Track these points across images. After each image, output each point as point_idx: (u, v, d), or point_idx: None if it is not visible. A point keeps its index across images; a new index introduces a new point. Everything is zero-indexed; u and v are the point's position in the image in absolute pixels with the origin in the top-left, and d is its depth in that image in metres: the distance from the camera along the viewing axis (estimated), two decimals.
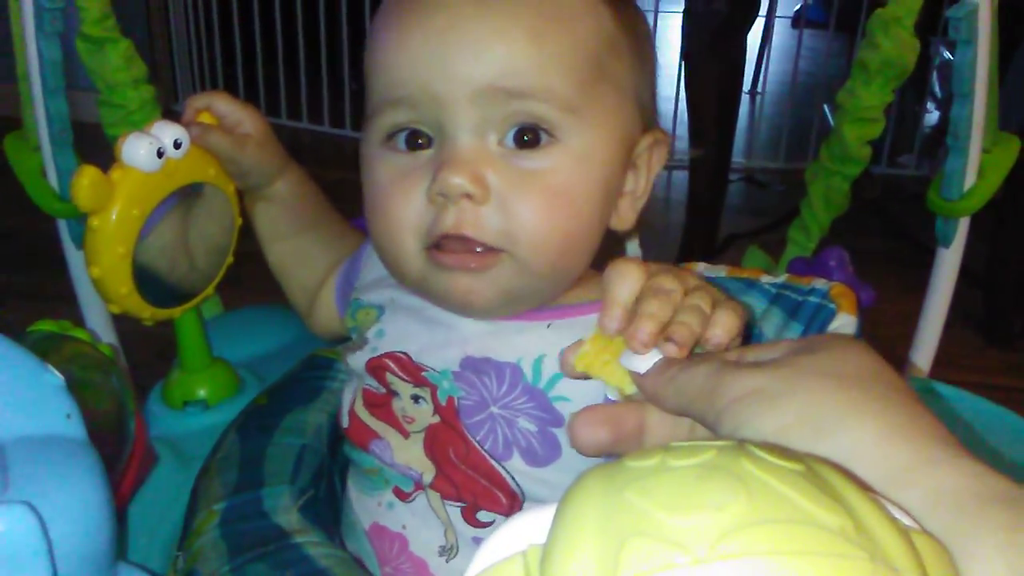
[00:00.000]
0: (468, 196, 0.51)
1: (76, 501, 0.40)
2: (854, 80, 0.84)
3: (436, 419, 0.57)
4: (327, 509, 0.62)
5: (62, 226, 0.91)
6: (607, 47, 0.54)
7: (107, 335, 0.94)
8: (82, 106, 0.91)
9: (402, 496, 0.59)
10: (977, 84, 0.84)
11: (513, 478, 0.55)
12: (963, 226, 0.93)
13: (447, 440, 0.57)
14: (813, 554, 0.21)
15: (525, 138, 0.52)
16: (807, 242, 0.92)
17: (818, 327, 0.60)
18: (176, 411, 0.79)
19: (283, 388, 0.71)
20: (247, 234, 0.75)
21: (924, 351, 0.97)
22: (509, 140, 0.52)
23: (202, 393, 0.79)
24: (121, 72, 0.84)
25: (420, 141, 0.54)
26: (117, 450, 0.58)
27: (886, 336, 0.96)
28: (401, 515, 0.59)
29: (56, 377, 0.46)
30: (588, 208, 0.53)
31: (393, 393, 0.59)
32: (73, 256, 0.91)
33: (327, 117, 2.78)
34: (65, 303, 0.92)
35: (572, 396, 0.54)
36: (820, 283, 0.63)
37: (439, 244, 0.53)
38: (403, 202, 0.53)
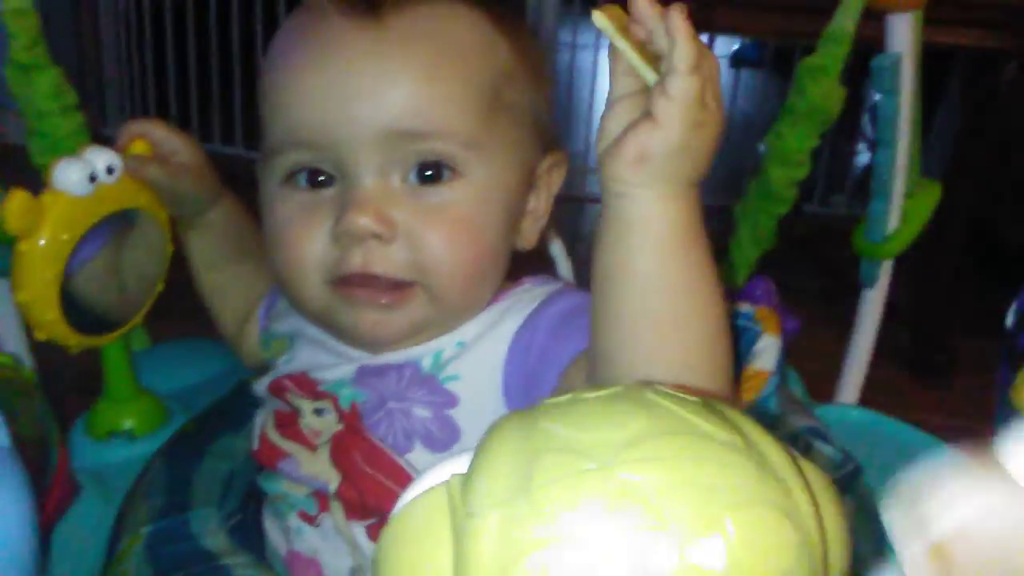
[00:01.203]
0: (376, 236, 0.52)
1: None
2: (782, 123, 0.87)
3: (340, 426, 0.58)
4: (256, 533, 0.62)
5: None
6: (503, 78, 0.55)
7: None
8: (11, 129, 0.88)
9: (308, 520, 0.59)
10: (900, 132, 0.87)
11: (417, 471, 0.56)
12: (887, 268, 0.96)
13: (351, 444, 0.57)
14: (706, 460, 0.24)
15: (427, 174, 0.53)
16: (735, 279, 0.95)
17: (744, 348, 0.61)
18: (101, 442, 0.77)
19: (212, 415, 0.70)
20: (177, 263, 0.74)
21: (850, 388, 1.00)
22: (412, 177, 0.53)
23: (128, 424, 0.77)
24: (50, 100, 0.82)
25: (321, 179, 0.54)
26: (39, 479, 0.56)
27: (814, 371, 0.99)
28: (311, 540, 0.59)
29: None
30: (493, 234, 0.55)
31: (296, 411, 0.60)
32: None
33: None
34: None
35: (461, 373, 0.56)
36: (745, 307, 0.65)
37: (346, 280, 0.53)
38: (306, 239, 0.54)
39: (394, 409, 0.56)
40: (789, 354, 0.96)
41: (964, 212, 1.62)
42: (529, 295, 0.57)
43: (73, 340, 0.69)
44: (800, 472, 0.25)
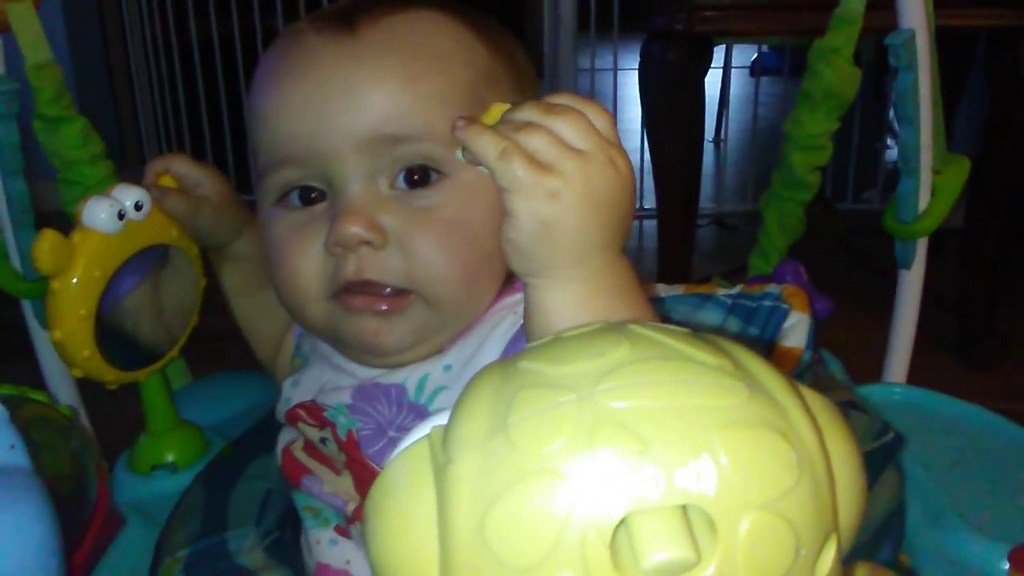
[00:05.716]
0: (366, 243, 0.51)
1: (15, 527, 0.40)
2: (799, 109, 0.86)
3: (343, 456, 0.57)
4: (294, 550, 0.62)
5: (27, 307, 0.89)
6: (484, 80, 0.54)
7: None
8: (44, 196, 0.90)
9: (343, 533, 0.59)
10: (921, 107, 0.86)
11: None
12: (922, 248, 0.94)
13: (360, 472, 0.56)
14: (691, 382, 0.22)
15: (415, 177, 0.52)
16: (766, 267, 0.94)
17: (773, 328, 0.60)
18: (144, 476, 0.78)
19: (248, 438, 0.71)
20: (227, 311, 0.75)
21: (895, 370, 0.98)
22: (400, 182, 0.52)
23: (170, 457, 0.79)
24: (77, 149, 0.84)
25: (313, 196, 0.54)
26: (76, 512, 0.57)
27: (857, 365, 0.96)
28: (345, 551, 0.59)
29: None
30: (486, 233, 0.52)
31: (309, 439, 0.59)
32: (39, 337, 0.88)
33: None
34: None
35: (450, 405, 0.54)
36: (772, 287, 0.64)
37: (344, 289, 0.53)
38: (302, 255, 0.54)
39: (395, 438, 0.55)
40: (832, 346, 0.94)
41: (1002, 194, 1.59)
42: (514, 314, 0.56)
43: (110, 376, 0.70)
44: (798, 395, 0.24)
